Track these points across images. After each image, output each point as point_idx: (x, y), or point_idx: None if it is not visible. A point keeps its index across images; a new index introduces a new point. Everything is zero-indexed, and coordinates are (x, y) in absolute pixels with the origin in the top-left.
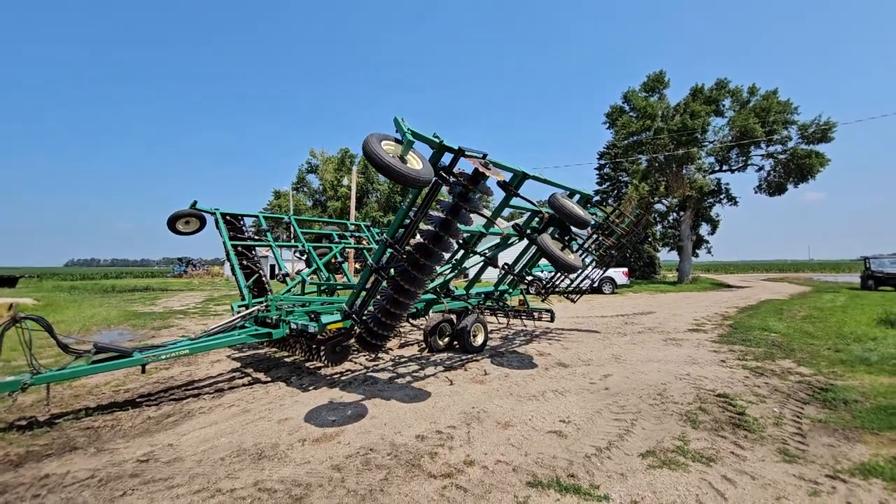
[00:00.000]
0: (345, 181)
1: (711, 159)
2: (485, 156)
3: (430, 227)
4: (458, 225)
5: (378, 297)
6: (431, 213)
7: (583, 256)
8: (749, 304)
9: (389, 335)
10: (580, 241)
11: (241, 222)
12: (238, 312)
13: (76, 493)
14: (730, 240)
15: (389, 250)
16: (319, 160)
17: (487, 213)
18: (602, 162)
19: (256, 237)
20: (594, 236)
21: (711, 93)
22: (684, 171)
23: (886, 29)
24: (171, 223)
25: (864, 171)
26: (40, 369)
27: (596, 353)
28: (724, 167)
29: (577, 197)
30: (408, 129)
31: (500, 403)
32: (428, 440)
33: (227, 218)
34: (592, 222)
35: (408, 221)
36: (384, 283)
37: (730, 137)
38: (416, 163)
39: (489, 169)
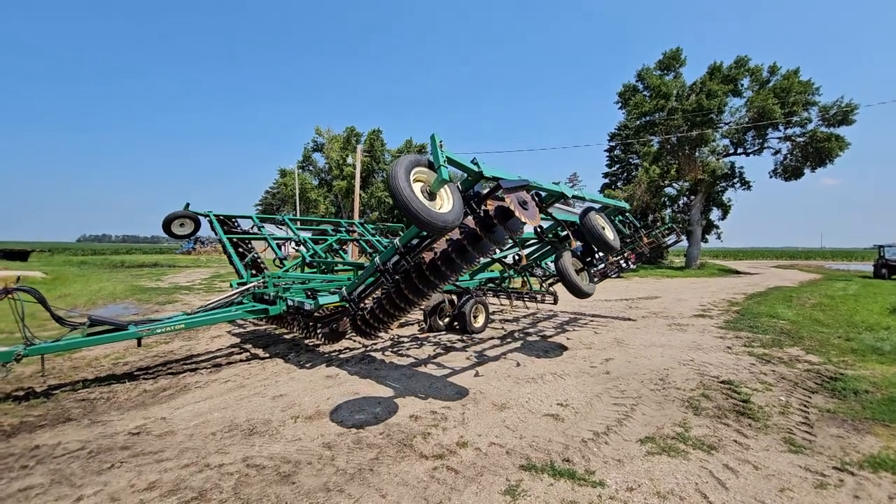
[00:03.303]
0: (349, 160)
1: (726, 141)
2: (524, 186)
3: (445, 247)
4: (475, 253)
5: (379, 292)
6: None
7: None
8: (757, 290)
9: (383, 329)
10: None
11: (236, 223)
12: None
13: (65, 465)
14: (740, 225)
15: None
16: (325, 138)
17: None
18: (612, 144)
19: (252, 230)
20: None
21: (730, 71)
22: (697, 153)
23: None
24: (167, 225)
25: (882, 157)
26: (34, 340)
27: (598, 337)
28: (739, 150)
29: (608, 210)
30: (445, 158)
31: (497, 385)
32: (422, 420)
33: (221, 218)
34: (619, 249)
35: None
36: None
37: (747, 119)
38: (446, 198)
39: (526, 210)
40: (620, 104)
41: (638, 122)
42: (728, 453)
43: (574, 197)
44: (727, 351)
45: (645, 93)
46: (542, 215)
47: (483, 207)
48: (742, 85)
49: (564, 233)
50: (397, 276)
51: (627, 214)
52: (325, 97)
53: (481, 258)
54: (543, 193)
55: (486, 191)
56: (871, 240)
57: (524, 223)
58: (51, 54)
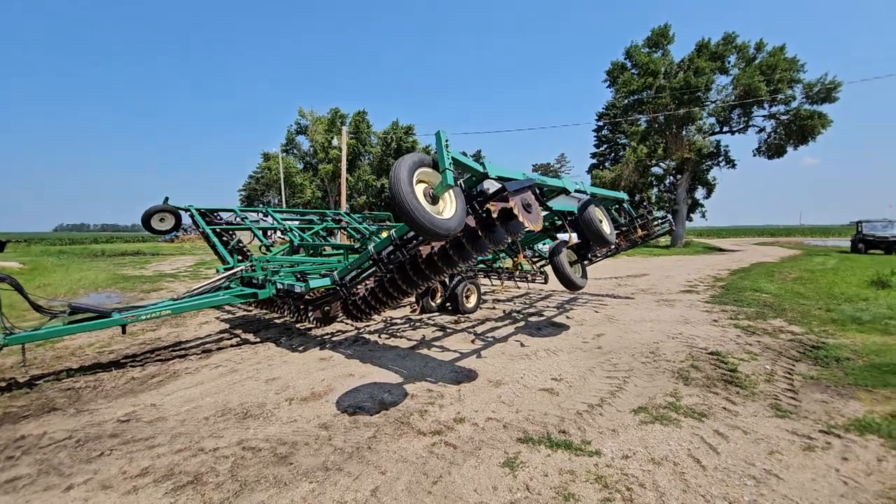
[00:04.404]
0: (334, 142)
1: (712, 120)
2: (530, 186)
3: (442, 243)
4: (472, 252)
5: (372, 280)
6: None
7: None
8: (741, 266)
9: (374, 314)
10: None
11: (218, 216)
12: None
13: (52, 454)
14: (723, 204)
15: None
16: (309, 120)
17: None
18: (600, 123)
19: (236, 221)
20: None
21: (718, 48)
22: (684, 132)
23: None
24: (146, 221)
25: (859, 136)
26: (13, 330)
27: (589, 314)
28: (725, 128)
29: (607, 200)
30: (450, 159)
31: (491, 362)
32: (418, 398)
33: (202, 211)
34: (615, 242)
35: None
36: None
37: (733, 97)
38: (449, 201)
39: (529, 213)
40: (609, 82)
41: (626, 101)
42: (718, 420)
43: (577, 191)
44: (714, 324)
45: (633, 70)
46: (546, 210)
47: (485, 207)
48: (729, 62)
49: (560, 223)
50: (391, 266)
51: (625, 204)
52: (305, 80)
53: (478, 256)
54: (545, 188)
55: (490, 191)
56: (846, 217)
57: (526, 227)
58: (35, 38)
